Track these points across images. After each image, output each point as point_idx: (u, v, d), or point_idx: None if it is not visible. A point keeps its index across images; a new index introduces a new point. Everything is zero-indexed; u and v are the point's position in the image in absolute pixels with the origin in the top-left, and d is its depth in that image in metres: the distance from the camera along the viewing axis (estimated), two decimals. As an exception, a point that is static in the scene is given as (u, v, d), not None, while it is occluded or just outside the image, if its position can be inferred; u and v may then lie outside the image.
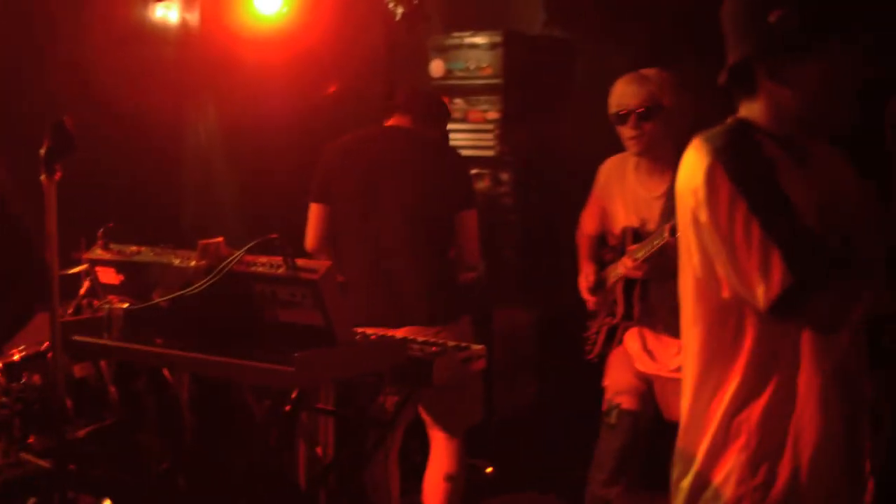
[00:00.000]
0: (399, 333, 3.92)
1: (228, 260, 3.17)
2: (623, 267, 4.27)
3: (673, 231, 3.81)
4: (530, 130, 6.03)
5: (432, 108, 4.74)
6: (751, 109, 2.47)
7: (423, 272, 4.41)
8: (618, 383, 4.42)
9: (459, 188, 4.54)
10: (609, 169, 4.58)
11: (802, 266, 2.26)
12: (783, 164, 2.38)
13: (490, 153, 5.94)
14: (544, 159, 6.00)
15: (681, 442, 2.62)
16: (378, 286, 4.38)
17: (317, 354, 3.02)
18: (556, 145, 6.01)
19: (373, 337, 3.62)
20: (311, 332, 3.10)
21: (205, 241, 3.24)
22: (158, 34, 5.63)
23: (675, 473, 2.63)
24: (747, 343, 2.42)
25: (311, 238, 4.55)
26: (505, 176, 5.95)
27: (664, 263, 4.06)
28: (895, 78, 2.46)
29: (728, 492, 2.46)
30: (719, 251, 2.37)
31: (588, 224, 4.68)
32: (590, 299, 4.62)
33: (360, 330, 3.52)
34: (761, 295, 2.30)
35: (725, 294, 2.41)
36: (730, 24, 2.47)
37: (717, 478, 2.48)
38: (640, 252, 4.17)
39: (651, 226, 4.29)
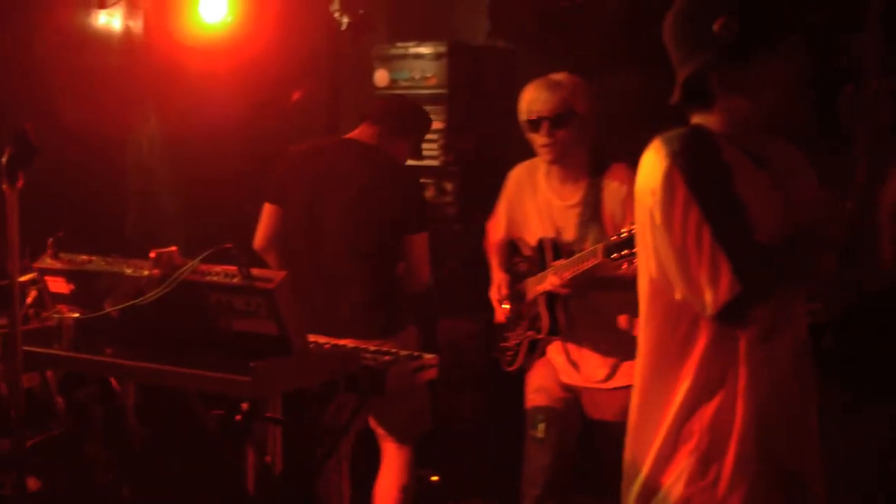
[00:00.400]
0: (344, 343, 3.93)
1: (182, 269, 3.16)
2: (549, 284, 4.16)
3: (607, 252, 3.79)
4: (474, 140, 6.07)
5: (403, 119, 4.72)
6: (706, 119, 2.50)
7: (366, 288, 4.41)
8: (543, 394, 4.37)
9: (410, 211, 4.52)
10: (518, 176, 4.50)
11: (750, 275, 2.31)
12: (742, 168, 2.42)
13: (434, 163, 5.97)
14: (488, 168, 6.03)
15: (630, 443, 2.66)
16: (320, 298, 4.38)
17: (272, 364, 3.02)
18: (499, 154, 6.05)
19: (326, 346, 3.63)
20: (265, 341, 3.10)
21: (158, 251, 3.22)
22: (102, 41, 5.57)
23: (624, 478, 2.66)
24: (699, 345, 2.46)
25: (260, 237, 4.57)
26: (449, 185, 5.99)
27: (593, 280, 4.06)
28: (842, 72, 2.51)
29: (677, 492, 2.50)
30: (670, 254, 2.41)
31: (496, 232, 4.62)
32: (500, 311, 4.55)
33: (312, 338, 3.52)
34: (709, 301, 2.34)
35: (678, 296, 2.45)
36: (675, 43, 2.51)
37: (668, 480, 2.52)
38: (568, 271, 4.08)
39: (566, 235, 4.23)
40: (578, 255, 4.03)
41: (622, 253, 3.73)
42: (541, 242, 4.30)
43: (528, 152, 5.63)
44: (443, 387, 5.56)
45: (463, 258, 5.98)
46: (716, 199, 2.33)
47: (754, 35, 2.38)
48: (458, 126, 6.04)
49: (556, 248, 4.22)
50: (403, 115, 4.76)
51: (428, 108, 5.89)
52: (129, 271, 3.31)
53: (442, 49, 6.01)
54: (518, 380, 5.02)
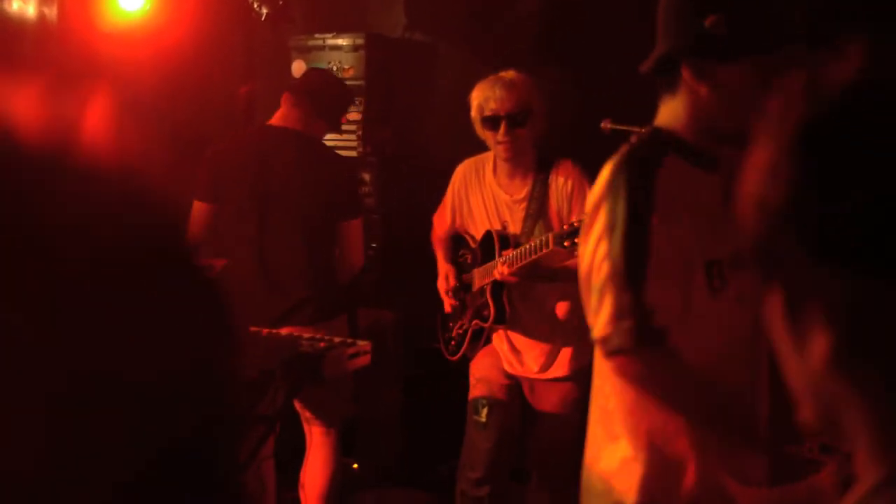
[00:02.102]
0: (281, 332, 3.96)
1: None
2: (498, 273, 4.25)
3: (558, 240, 3.89)
4: (392, 131, 6.13)
5: (326, 96, 4.73)
6: (670, 110, 2.55)
7: (306, 273, 4.45)
8: (486, 379, 4.48)
9: (344, 197, 4.58)
10: (466, 171, 4.57)
11: (622, 329, 2.36)
12: (688, 174, 2.49)
13: (353, 154, 5.99)
14: (406, 160, 6.11)
15: (589, 448, 2.72)
16: (261, 286, 4.40)
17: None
18: (417, 146, 6.12)
19: (263, 333, 3.66)
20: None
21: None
22: (14, 29, 5.48)
23: (582, 482, 2.73)
24: None
25: (192, 233, 4.54)
26: (367, 176, 6.02)
27: (540, 271, 4.19)
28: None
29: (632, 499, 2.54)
30: (581, 267, 2.50)
31: (441, 226, 4.71)
32: (448, 301, 4.65)
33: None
34: (592, 326, 2.45)
35: None
36: (665, 15, 2.52)
37: (622, 486, 2.56)
38: (517, 260, 4.17)
39: (512, 228, 4.34)
40: (529, 244, 4.12)
41: (574, 241, 3.84)
42: (488, 234, 4.40)
43: (444, 144, 5.72)
44: (362, 375, 5.62)
45: (381, 248, 6.03)
46: (626, 243, 2.37)
47: (740, 42, 2.41)
48: (376, 118, 6.08)
49: (504, 240, 4.32)
50: (324, 92, 4.76)
51: (346, 99, 5.94)
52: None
53: (359, 41, 6.05)
54: (437, 369, 5.11)
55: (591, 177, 3.80)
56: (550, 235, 3.96)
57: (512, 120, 4.22)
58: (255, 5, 5.75)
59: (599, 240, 2.42)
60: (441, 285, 4.68)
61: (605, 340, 2.40)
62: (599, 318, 2.40)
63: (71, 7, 5.40)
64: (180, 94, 5.72)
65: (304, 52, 6.17)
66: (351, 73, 6.05)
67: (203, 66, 5.86)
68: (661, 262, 2.38)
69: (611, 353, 2.41)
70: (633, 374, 2.43)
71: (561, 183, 4.26)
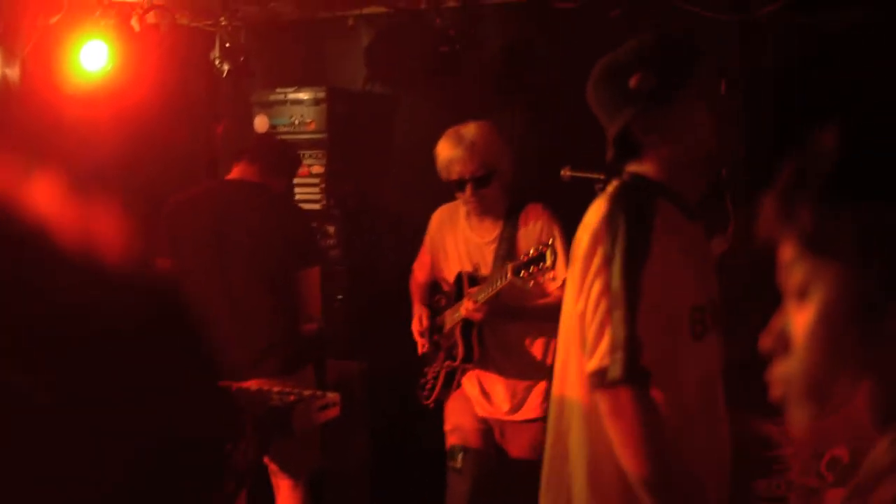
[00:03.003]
0: (248, 385, 3.98)
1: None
2: (464, 309, 4.31)
3: (516, 270, 3.97)
4: (355, 183, 6.17)
5: (280, 157, 4.81)
6: (641, 167, 2.64)
7: (268, 324, 4.47)
8: (459, 427, 4.52)
9: (301, 246, 4.61)
10: (441, 217, 4.67)
11: (618, 360, 2.43)
12: (676, 220, 2.57)
13: (317, 206, 6.03)
14: (370, 211, 6.15)
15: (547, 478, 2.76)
16: (223, 340, 4.41)
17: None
18: (380, 197, 6.17)
19: (233, 388, 3.68)
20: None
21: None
22: (-24, 90, 5.50)
23: None
24: None
25: None
26: (332, 229, 6.06)
27: (504, 306, 4.24)
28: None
29: None
30: (579, 301, 2.55)
31: (420, 272, 4.78)
32: (421, 342, 4.70)
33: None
34: (585, 359, 2.50)
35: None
36: (599, 106, 2.67)
37: None
38: (482, 294, 4.25)
39: (484, 270, 4.41)
40: (490, 278, 4.22)
41: (530, 270, 3.90)
42: (458, 275, 4.49)
43: (407, 195, 5.79)
44: (330, 427, 5.62)
45: (347, 300, 6.06)
46: (623, 280, 2.44)
47: (668, 82, 2.54)
48: (339, 170, 6.13)
49: (473, 280, 4.40)
50: (279, 154, 4.86)
51: (308, 152, 6.00)
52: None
53: (321, 94, 6.10)
54: (405, 420, 5.13)
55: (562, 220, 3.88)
56: (509, 266, 4.03)
57: (477, 182, 4.31)
58: (217, 61, 5.81)
59: (597, 274, 2.48)
60: (415, 327, 4.73)
61: (601, 372, 2.45)
62: (598, 351, 2.46)
63: (34, 68, 5.42)
64: (144, 152, 5.74)
65: (266, 106, 6.22)
66: (313, 126, 6.10)
67: (166, 124, 5.89)
68: (651, 302, 2.44)
69: (605, 385, 2.45)
70: (617, 409, 2.47)
71: (531, 225, 4.33)
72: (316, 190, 6.06)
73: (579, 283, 2.54)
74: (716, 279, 2.70)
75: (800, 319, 1.12)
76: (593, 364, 2.47)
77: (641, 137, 2.59)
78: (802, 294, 1.11)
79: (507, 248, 4.34)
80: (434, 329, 4.68)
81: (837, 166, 1.08)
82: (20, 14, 5.40)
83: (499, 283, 4.14)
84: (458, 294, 4.50)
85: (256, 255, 4.45)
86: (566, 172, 4.13)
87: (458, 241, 4.56)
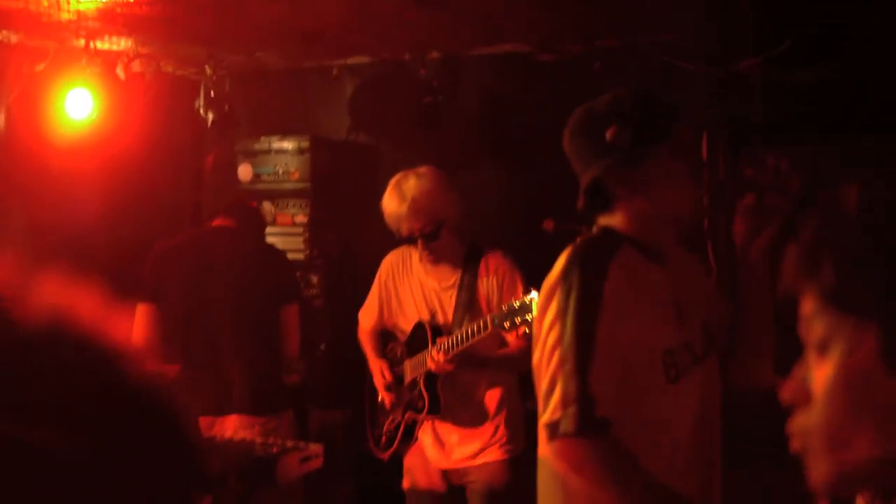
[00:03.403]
0: (228, 421, 4.00)
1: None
2: (433, 363, 4.23)
3: (498, 322, 3.94)
4: (338, 232, 6.19)
5: (252, 217, 4.88)
6: (613, 219, 2.68)
7: (252, 363, 4.51)
8: (418, 482, 4.47)
9: (282, 283, 4.67)
10: (392, 263, 4.61)
11: (569, 416, 2.44)
12: (641, 267, 2.60)
13: (300, 256, 6.05)
14: (353, 260, 6.16)
15: None
16: (208, 376, 4.43)
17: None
18: (363, 247, 6.19)
19: (217, 440, 3.68)
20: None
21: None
22: (-39, 138, 5.52)
23: None
24: None
25: (139, 338, 4.57)
26: (315, 278, 6.07)
27: (471, 357, 4.19)
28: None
29: None
30: (535, 352, 2.58)
31: (367, 320, 4.70)
32: (388, 396, 4.61)
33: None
34: (541, 413, 2.52)
35: None
36: (574, 155, 2.70)
37: None
38: (451, 344, 4.17)
39: (441, 317, 4.35)
40: (465, 329, 4.13)
41: (513, 320, 3.89)
42: (419, 325, 4.41)
43: (390, 246, 5.79)
44: (312, 477, 5.61)
45: (329, 350, 6.06)
46: (575, 331, 2.46)
47: (643, 138, 2.57)
48: (322, 219, 6.16)
49: (436, 329, 4.33)
50: (249, 213, 4.95)
51: (291, 201, 6.04)
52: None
53: (304, 143, 6.15)
54: (386, 470, 5.11)
55: (528, 270, 3.88)
56: (488, 317, 4.00)
57: (427, 237, 4.28)
58: (201, 110, 5.84)
59: (551, 327, 2.51)
60: (378, 381, 4.65)
61: (552, 425, 2.47)
62: (550, 404, 2.47)
63: (19, 116, 5.45)
64: (129, 200, 5.76)
65: (251, 155, 6.25)
66: (297, 175, 6.13)
67: (151, 171, 5.92)
68: (608, 352, 2.46)
69: (556, 438, 2.47)
70: (576, 461, 2.48)
71: (491, 272, 4.30)
72: (299, 239, 6.08)
73: (537, 335, 2.56)
74: (702, 316, 2.71)
75: (820, 373, 1.13)
76: (546, 417, 2.49)
77: (613, 189, 2.63)
78: (823, 348, 1.12)
79: (467, 297, 4.30)
80: (396, 380, 4.60)
81: (861, 223, 1.10)
82: (6, 61, 5.43)
83: (474, 333, 4.08)
84: (417, 344, 4.42)
85: (240, 298, 4.51)
86: (549, 224, 4.15)
87: (412, 286, 4.48)
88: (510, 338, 4.21)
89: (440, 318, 4.37)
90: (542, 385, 2.52)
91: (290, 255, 5.90)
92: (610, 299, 2.47)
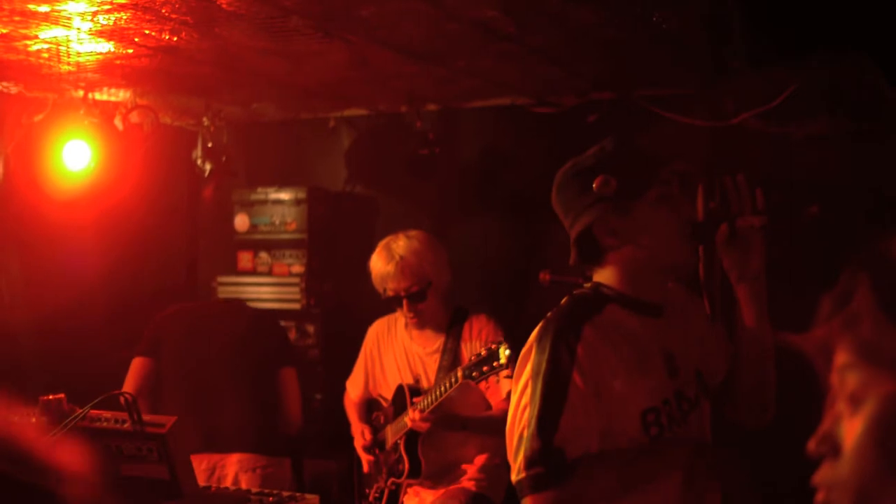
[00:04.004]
0: (229, 460, 4.04)
1: (74, 416, 3.18)
2: (409, 420, 4.21)
3: (467, 373, 3.92)
4: (335, 283, 6.20)
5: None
6: (602, 275, 2.67)
7: (252, 411, 4.56)
8: None
9: (280, 348, 4.82)
10: (377, 331, 4.62)
11: (530, 472, 2.43)
12: (628, 323, 2.59)
13: (296, 306, 6.06)
14: (349, 311, 6.17)
15: None
16: (209, 418, 4.47)
17: (166, 507, 3.06)
18: (359, 298, 6.19)
19: (213, 489, 3.67)
20: (156, 485, 3.13)
21: (46, 397, 3.24)
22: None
23: None
24: None
25: (128, 387, 4.62)
26: (311, 328, 6.07)
27: (449, 416, 4.18)
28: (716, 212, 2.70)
29: None
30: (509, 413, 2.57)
31: (354, 390, 4.70)
32: (366, 459, 4.58)
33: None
34: (512, 470, 2.50)
35: None
36: (562, 210, 2.70)
37: None
38: (428, 401, 4.16)
39: (425, 382, 4.33)
40: (439, 386, 4.12)
41: (482, 370, 3.87)
42: (399, 388, 4.39)
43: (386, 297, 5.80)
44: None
45: (326, 400, 6.04)
46: (544, 393, 2.45)
47: (629, 185, 2.57)
48: (319, 270, 6.17)
49: (415, 392, 4.32)
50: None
51: (288, 252, 6.07)
52: (14, 419, 3.29)
53: (301, 195, 6.17)
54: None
55: (524, 323, 3.87)
56: (459, 369, 3.99)
57: (412, 297, 4.30)
58: (199, 161, 5.87)
59: (525, 387, 2.51)
60: (358, 443, 4.63)
61: (518, 484, 2.47)
62: (516, 463, 2.48)
63: (16, 167, 5.46)
64: (126, 251, 5.78)
65: (248, 205, 6.28)
66: (294, 226, 6.15)
67: (147, 224, 5.93)
68: (581, 409, 2.45)
69: (524, 496, 2.47)
70: None
71: (474, 336, 4.29)
72: (296, 290, 6.09)
73: (511, 399, 2.57)
74: (696, 364, 2.70)
75: (852, 427, 1.11)
76: (513, 476, 2.49)
77: (603, 240, 2.62)
78: (856, 401, 1.11)
79: (450, 360, 4.28)
80: (375, 446, 4.58)
81: None
82: (4, 112, 5.46)
83: (447, 387, 4.06)
84: (398, 409, 4.41)
85: (236, 357, 4.58)
86: (545, 276, 4.15)
87: (397, 352, 4.48)
88: (494, 399, 4.19)
89: (424, 383, 4.35)
90: (511, 444, 2.52)
91: (287, 306, 5.93)
92: (584, 359, 2.47)
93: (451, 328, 4.35)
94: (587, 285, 2.68)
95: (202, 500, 3.31)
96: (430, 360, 4.35)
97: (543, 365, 2.48)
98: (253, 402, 4.62)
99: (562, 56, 4.60)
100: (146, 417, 3.15)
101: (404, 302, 4.29)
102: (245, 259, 6.22)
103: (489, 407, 4.24)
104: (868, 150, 4.40)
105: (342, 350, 6.13)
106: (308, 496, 3.71)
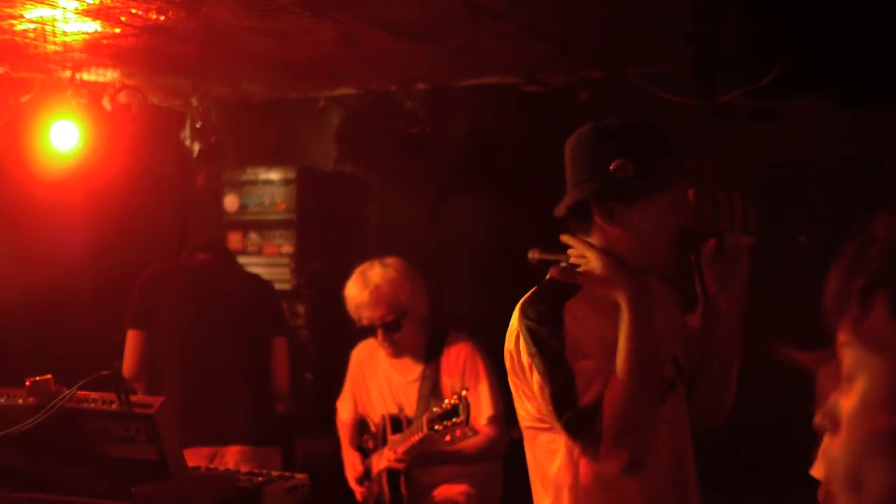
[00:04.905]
0: (229, 452, 4.01)
1: (60, 397, 3.15)
2: (386, 460, 4.21)
3: (430, 424, 3.89)
4: (324, 263, 6.19)
5: (223, 247, 4.96)
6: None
7: (249, 392, 4.52)
8: None
9: (272, 316, 4.75)
10: (360, 356, 4.55)
11: (560, 408, 2.47)
12: (604, 307, 2.55)
13: (286, 286, 6.05)
14: (338, 291, 6.15)
15: None
16: (202, 408, 4.43)
17: (154, 489, 3.03)
18: (349, 277, 6.17)
19: (202, 469, 3.65)
20: (145, 466, 3.11)
21: (33, 379, 3.21)
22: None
23: None
24: (576, 478, 2.59)
25: (129, 364, 4.61)
26: (301, 308, 6.06)
27: (427, 453, 4.12)
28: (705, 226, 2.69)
29: None
30: (531, 385, 2.56)
31: (345, 411, 4.62)
32: (358, 490, 4.53)
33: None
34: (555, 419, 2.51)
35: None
36: (572, 163, 2.66)
37: None
38: (400, 445, 4.13)
39: (409, 411, 4.27)
40: (408, 429, 4.11)
41: (445, 424, 3.85)
42: (383, 419, 4.35)
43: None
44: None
45: (316, 380, 6.04)
46: (546, 361, 2.48)
47: (646, 182, 2.54)
48: (308, 250, 6.16)
49: (396, 423, 4.26)
50: (227, 248, 5.12)
51: (278, 232, 6.05)
52: (1, 400, 3.28)
53: (291, 175, 6.15)
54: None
55: (514, 298, 3.86)
56: (424, 418, 3.95)
57: (387, 327, 4.24)
58: (188, 142, 5.84)
59: (531, 368, 2.52)
60: (350, 475, 4.58)
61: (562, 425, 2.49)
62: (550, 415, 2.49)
63: (4, 148, 5.43)
64: (114, 231, 5.75)
65: (237, 186, 6.25)
66: (283, 206, 6.14)
67: (136, 204, 5.91)
68: (586, 371, 2.47)
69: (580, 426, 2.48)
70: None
71: (453, 360, 4.23)
72: (285, 270, 6.07)
73: (511, 364, 2.59)
74: (673, 352, 2.70)
75: (846, 402, 1.14)
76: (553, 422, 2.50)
77: (596, 214, 2.59)
78: (850, 378, 1.13)
79: (430, 387, 4.24)
80: (366, 479, 4.52)
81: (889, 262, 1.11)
82: (-9, 93, 5.43)
83: (416, 434, 4.04)
84: (382, 438, 4.36)
85: (231, 326, 4.53)
86: (534, 255, 4.12)
87: (380, 380, 4.42)
88: (468, 442, 4.13)
89: (407, 411, 4.29)
90: (542, 401, 2.53)
91: (277, 286, 5.89)
92: (567, 342, 2.48)
93: (430, 355, 4.29)
94: (563, 265, 2.66)
95: (191, 480, 3.29)
96: (411, 388, 4.30)
97: (534, 345, 2.50)
98: (248, 379, 4.59)
99: (552, 34, 4.57)
100: (134, 398, 3.12)
101: (379, 331, 4.24)
102: (235, 239, 6.20)
103: (474, 431, 4.12)
104: (860, 128, 4.40)
105: (333, 330, 6.13)
106: (298, 475, 3.68)
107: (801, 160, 4.77)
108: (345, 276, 6.15)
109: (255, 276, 4.99)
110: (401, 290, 4.23)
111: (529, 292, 2.63)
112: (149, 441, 3.08)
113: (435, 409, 3.94)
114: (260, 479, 3.57)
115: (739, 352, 2.77)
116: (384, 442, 4.33)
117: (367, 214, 6.31)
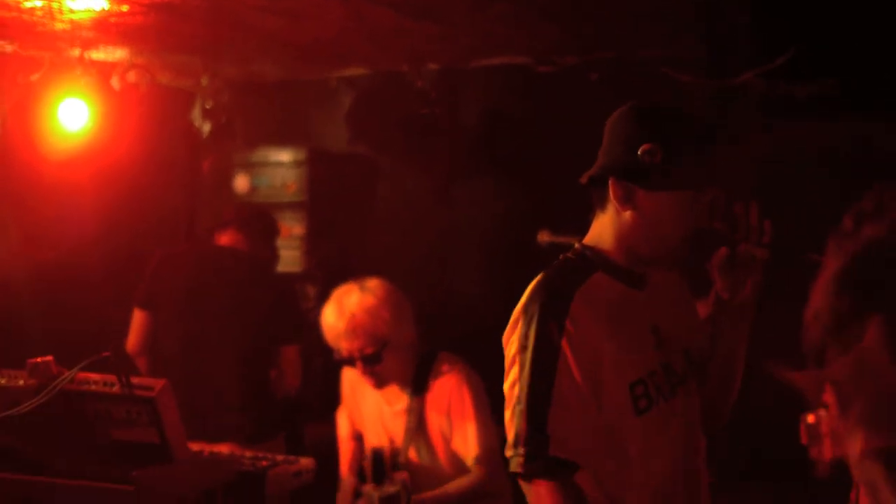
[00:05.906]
0: (222, 449, 3.95)
1: (60, 379, 3.13)
2: None
3: (405, 487, 3.73)
4: (336, 245, 6.16)
5: (263, 224, 4.84)
6: (599, 226, 2.59)
7: (241, 392, 4.48)
8: None
9: (284, 322, 4.65)
10: (351, 378, 4.21)
11: (517, 451, 2.40)
12: (614, 293, 2.52)
13: (296, 268, 6.02)
14: (351, 273, 6.09)
15: None
16: (196, 402, 4.38)
17: (155, 472, 3.01)
18: (360, 259, 6.15)
19: (205, 453, 3.63)
20: (146, 449, 3.09)
21: (34, 360, 3.19)
22: (-44, 149, 5.50)
23: None
24: None
25: (133, 342, 4.61)
26: (312, 290, 6.03)
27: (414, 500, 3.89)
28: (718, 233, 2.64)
29: None
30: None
31: (343, 427, 4.37)
32: None
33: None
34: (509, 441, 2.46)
35: None
36: (608, 138, 2.59)
37: None
38: (376, 494, 3.83)
39: (399, 442, 4.02)
40: (387, 481, 3.89)
41: None
42: (371, 452, 4.05)
43: (388, 257, 5.77)
44: (308, 491, 5.54)
45: (326, 364, 6.00)
46: (531, 373, 2.41)
47: (668, 172, 2.47)
48: (319, 232, 6.13)
49: (378, 461, 3.97)
50: (264, 221, 4.93)
51: (288, 214, 6.01)
52: (2, 381, 3.26)
53: (301, 156, 6.12)
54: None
55: (525, 282, 3.81)
56: (400, 480, 3.78)
57: (367, 360, 3.88)
58: (198, 122, 5.81)
59: (513, 362, 2.46)
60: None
61: (508, 462, 2.45)
62: (508, 439, 2.44)
63: (13, 128, 5.42)
64: (124, 211, 5.73)
65: (248, 167, 6.22)
66: (294, 187, 6.11)
67: (146, 182, 5.89)
68: (570, 389, 2.40)
69: (520, 478, 2.44)
70: (530, 498, 2.45)
71: (437, 398, 3.95)
72: (296, 252, 6.04)
73: (506, 356, 2.52)
74: (684, 343, 2.66)
75: (840, 424, 1.15)
76: (506, 451, 2.46)
77: (614, 192, 2.52)
78: (843, 401, 1.14)
79: (416, 421, 3.97)
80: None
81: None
82: (0, 71, 5.41)
83: (392, 490, 3.79)
84: (375, 470, 4.03)
85: (234, 323, 4.49)
86: (544, 237, 4.05)
87: (371, 405, 4.14)
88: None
89: (397, 443, 4.04)
90: (506, 415, 2.47)
91: (287, 268, 5.87)
92: (573, 334, 2.42)
93: (416, 388, 3.98)
94: (577, 246, 2.61)
95: (194, 464, 3.27)
96: (398, 420, 4.03)
97: (531, 342, 2.42)
98: (249, 379, 4.53)
99: (562, 14, 4.52)
100: (135, 380, 3.10)
101: (358, 364, 3.89)
102: (245, 220, 6.16)
103: (463, 467, 3.94)
104: (860, 127, 4.35)
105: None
106: (303, 459, 3.66)
107: (802, 160, 4.71)
108: (356, 258, 6.16)
109: (272, 277, 4.84)
110: (379, 318, 3.86)
111: (538, 276, 2.56)
112: (150, 424, 3.06)
113: (374, 494, 3.75)
114: (264, 462, 3.56)
115: (739, 363, 2.74)
116: (373, 475, 4.00)
117: (378, 195, 6.28)
